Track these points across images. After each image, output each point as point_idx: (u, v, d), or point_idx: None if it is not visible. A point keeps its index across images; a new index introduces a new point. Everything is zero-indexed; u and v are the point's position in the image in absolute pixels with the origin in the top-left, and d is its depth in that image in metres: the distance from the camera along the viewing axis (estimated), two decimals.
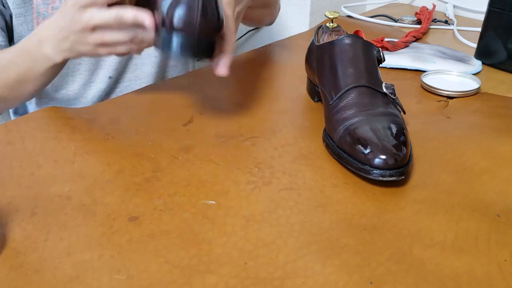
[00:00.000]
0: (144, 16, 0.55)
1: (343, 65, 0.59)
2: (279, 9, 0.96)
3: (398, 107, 0.58)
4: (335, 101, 0.58)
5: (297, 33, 1.02)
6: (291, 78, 0.79)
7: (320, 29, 0.72)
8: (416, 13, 1.12)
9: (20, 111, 0.89)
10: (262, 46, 0.94)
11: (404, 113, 0.58)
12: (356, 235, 0.44)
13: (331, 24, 0.71)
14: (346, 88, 0.57)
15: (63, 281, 0.39)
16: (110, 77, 0.84)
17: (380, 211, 0.48)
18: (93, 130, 0.62)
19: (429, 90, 0.73)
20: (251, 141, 0.60)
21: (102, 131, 0.62)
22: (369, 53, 0.60)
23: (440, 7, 1.18)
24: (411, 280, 0.40)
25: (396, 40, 0.91)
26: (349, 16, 1.13)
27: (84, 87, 0.83)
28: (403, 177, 0.50)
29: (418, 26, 1.04)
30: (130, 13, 0.55)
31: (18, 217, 0.46)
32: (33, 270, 0.40)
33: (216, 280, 0.40)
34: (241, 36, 1.31)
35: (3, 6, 0.73)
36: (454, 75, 0.77)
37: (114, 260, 0.41)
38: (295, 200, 0.49)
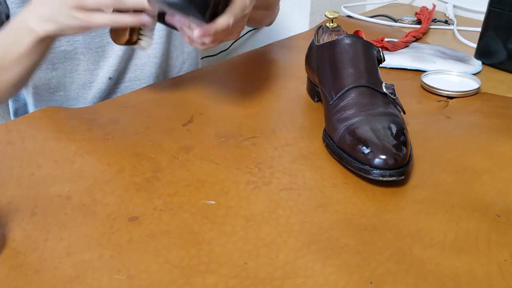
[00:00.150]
0: None
1: (343, 65, 0.59)
2: (279, 10, 0.97)
3: (398, 107, 0.58)
4: (335, 101, 0.58)
5: (297, 33, 1.03)
6: (291, 78, 0.79)
7: (320, 29, 0.72)
8: (416, 13, 1.12)
9: (20, 111, 0.89)
10: (262, 46, 0.94)
11: (404, 113, 0.58)
12: (356, 235, 0.44)
13: (331, 24, 0.71)
14: (346, 88, 0.57)
15: (63, 281, 0.39)
16: (110, 78, 0.83)
17: (380, 211, 0.48)
18: (93, 130, 0.62)
19: (429, 90, 0.73)
20: (251, 141, 0.60)
21: (102, 131, 0.62)
22: (369, 53, 0.60)
23: (440, 7, 1.18)
24: (411, 280, 0.40)
25: (396, 40, 0.91)
26: (349, 16, 1.13)
27: (83, 87, 0.83)
28: (403, 177, 0.50)
29: (418, 26, 1.04)
30: None
31: (18, 217, 0.46)
32: (33, 270, 0.40)
33: (216, 280, 0.40)
34: (241, 36, 1.31)
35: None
36: (454, 75, 0.77)
37: (114, 260, 0.41)
38: (295, 200, 0.49)
